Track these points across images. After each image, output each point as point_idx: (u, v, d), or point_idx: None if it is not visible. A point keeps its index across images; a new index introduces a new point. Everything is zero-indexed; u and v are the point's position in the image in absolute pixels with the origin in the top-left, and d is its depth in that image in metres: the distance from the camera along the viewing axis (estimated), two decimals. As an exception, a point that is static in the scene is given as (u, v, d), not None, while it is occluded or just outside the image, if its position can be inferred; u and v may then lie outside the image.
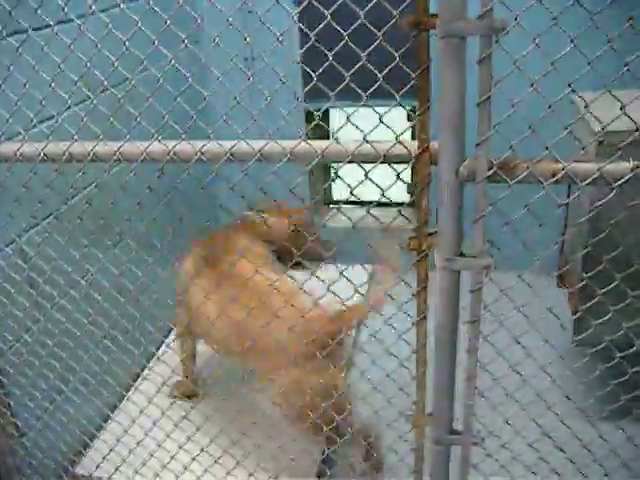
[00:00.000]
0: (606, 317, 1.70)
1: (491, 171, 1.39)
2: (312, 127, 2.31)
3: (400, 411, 1.78)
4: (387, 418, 1.88)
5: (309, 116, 4.28)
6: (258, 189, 1.81)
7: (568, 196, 2.78)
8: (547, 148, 1.44)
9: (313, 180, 4.51)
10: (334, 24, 1.52)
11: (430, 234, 1.52)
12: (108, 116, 1.78)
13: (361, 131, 1.54)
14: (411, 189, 4.27)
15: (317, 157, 1.53)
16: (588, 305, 1.73)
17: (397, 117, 2.06)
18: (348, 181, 1.67)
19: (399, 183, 1.62)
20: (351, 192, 1.64)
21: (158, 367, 2.54)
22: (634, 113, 1.41)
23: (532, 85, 1.41)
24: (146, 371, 3.13)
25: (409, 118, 3.92)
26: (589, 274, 1.64)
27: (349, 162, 1.52)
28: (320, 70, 1.58)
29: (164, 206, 1.89)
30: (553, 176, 1.40)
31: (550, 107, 1.43)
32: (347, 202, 4.48)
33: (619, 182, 1.38)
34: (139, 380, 3.13)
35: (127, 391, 3.00)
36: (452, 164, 1.39)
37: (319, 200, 4.67)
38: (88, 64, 1.71)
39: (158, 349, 3.38)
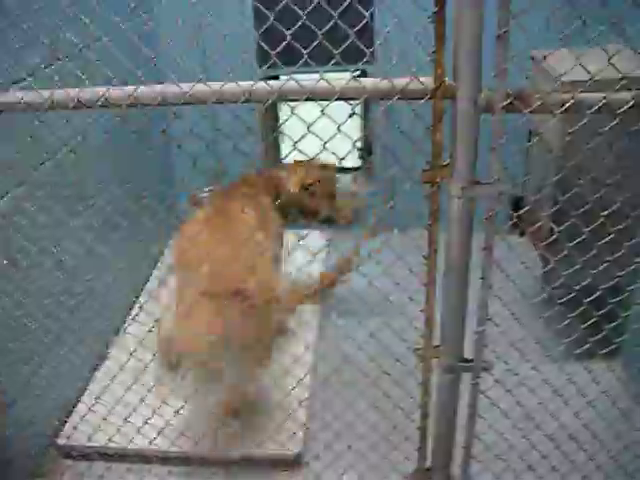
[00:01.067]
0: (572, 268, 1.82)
1: (507, 101, 1.47)
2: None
3: (408, 347, 1.85)
4: (396, 353, 1.94)
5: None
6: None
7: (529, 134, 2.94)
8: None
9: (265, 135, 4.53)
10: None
11: (443, 166, 1.59)
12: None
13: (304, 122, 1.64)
14: (362, 154, 4.34)
15: (336, 94, 1.56)
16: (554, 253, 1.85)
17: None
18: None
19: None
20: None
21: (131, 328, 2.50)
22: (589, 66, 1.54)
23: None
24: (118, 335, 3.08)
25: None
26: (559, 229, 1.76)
27: (366, 99, 1.57)
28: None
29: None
30: (562, 105, 1.50)
31: (513, 58, 1.52)
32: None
33: (621, 109, 1.49)
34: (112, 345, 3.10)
35: (101, 360, 2.96)
36: (470, 95, 1.46)
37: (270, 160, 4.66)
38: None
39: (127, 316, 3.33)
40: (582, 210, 1.76)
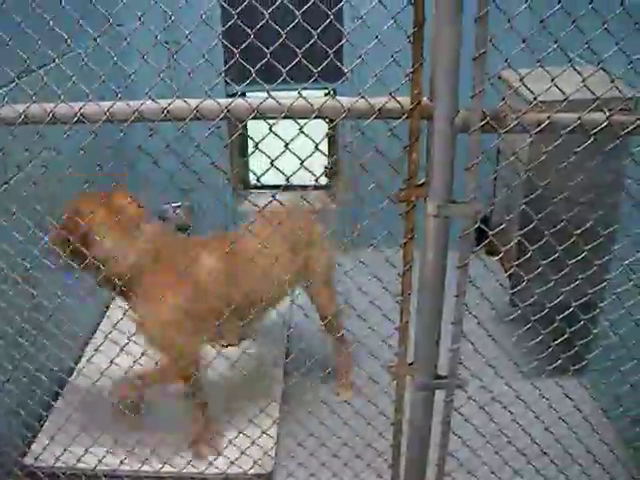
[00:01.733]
0: (537, 273, 1.84)
1: (484, 121, 1.49)
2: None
3: (382, 364, 1.85)
4: (369, 371, 1.94)
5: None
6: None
7: (498, 154, 2.97)
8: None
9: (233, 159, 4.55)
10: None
11: (419, 185, 1.60)
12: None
13: (282, 140, 1.65)
14: (327, 171, 4.35)
15: (314, 112, 1.56)
16: (521, 262, 1.87)
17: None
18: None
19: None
20: (271, 163, 1.72)
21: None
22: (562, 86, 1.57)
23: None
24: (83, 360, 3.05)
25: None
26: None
27: (344, 118, 1.57)
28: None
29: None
30: (538, 125, 1.52)
31: (489, 80, 1.54)
32: (264, 187, 4.46)
33: (595, 130, 1.52)
34: (80, 364, 3.09)
35: (69, 375, 2.93)
36: (447, 115, 1.47)
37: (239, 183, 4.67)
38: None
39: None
40: (552, 229, 1.79)
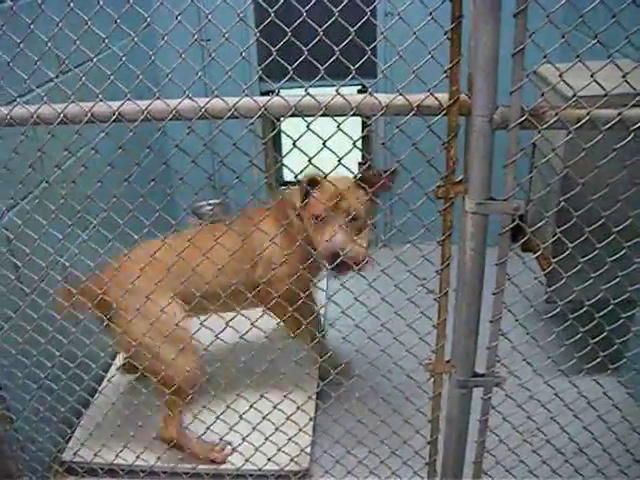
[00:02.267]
0: (575, 271, 1.82)
1: (523, 118, 1.48)
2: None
3: (419, 362, 1.85)
4: (406, 369, 1.93)
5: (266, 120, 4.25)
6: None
7: (533, 150, 2.94)
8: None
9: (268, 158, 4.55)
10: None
11: (457, 182, 1.60)
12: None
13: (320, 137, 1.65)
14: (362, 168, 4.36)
15: (352, 110, 1.56)
16: (560, 259, 1.85)
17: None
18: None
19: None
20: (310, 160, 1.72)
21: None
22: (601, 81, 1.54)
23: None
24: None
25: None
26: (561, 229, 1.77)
27: (382, 115, 1.57)
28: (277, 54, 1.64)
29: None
30: (578, 121, 1.51)
31: (528, 76, 1.52)
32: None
33: (636, 126, 1.50)
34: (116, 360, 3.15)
35: (106, 371, 2.97)
36: (486, 111, 1.47)
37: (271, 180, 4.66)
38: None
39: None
40: (590, 225, 1.76)
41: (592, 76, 1.53)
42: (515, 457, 2.09)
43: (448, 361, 1.81)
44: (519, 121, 1.47)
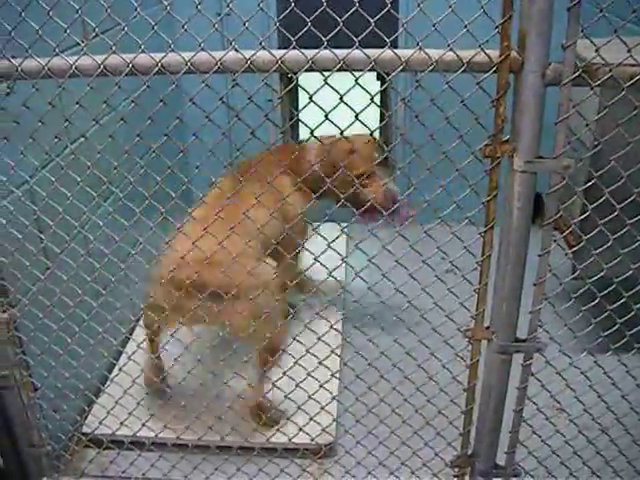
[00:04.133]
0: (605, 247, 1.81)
1: (576, 74, 1.47)
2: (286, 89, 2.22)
3: (458, 327, 1.83)
4: (444, 335, 1.92)
5: (282, 78, 4.24)
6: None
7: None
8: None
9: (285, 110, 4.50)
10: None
11: (505, 141, 1.58)
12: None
13: (337, 92, 1.62)
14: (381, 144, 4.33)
15: (402, 65, 1.55)
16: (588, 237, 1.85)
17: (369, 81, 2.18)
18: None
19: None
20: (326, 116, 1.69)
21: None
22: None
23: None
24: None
25: (378, 77, 3.99)
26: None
27: (431, 71, 1.55)
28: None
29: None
30: (631, 79, 1.50)
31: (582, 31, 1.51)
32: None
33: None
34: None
35: (123, 346, 2.95)
36: (539, 67, 1.46)
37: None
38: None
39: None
40: (618, 200, 1.74)
41: (629, 51, 1.52)
42: (543, 433, 2.06)
43: (487, 327, 1.80)
44: (572, 77, 1.46)
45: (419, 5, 1.55)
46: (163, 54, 1.59)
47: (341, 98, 1.65)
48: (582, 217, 1.90)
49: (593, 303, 1.90)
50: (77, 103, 1.74)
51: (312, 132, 1.79)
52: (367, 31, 1.54)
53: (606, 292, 1.90)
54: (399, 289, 1.87)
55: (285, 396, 2.19)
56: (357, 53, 1.54)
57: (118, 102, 2.44)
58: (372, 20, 1.54)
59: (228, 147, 3.51)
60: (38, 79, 1.64)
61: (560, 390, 2.02)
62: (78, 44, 1.84)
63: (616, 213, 1.75)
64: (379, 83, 4.07)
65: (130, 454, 2.43)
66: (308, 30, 1.56)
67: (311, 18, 1.56)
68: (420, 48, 1.54)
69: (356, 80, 1.63)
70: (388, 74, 1.60)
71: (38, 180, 2.12)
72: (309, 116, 1.74)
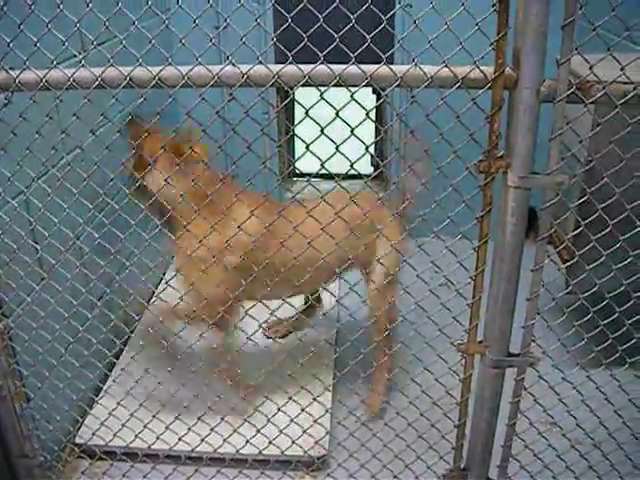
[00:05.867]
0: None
1: (570, 91, 1.48)
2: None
3: (451, 341, 1.84)
4: (437, 349, 1.92)
5: (279, 92, 4.27)
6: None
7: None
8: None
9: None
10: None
11: (499, 157, 1.60)
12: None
13: (333, 107, 1.64)
14: (375, 162, 4.34)
15: (397, 80, 1.56)
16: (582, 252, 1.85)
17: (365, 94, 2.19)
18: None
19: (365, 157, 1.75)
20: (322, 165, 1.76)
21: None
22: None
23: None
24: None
25: (374, 90, 4.01)
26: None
27: (427, 87, 1.56)
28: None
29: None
30: (624, 96, 1.51)
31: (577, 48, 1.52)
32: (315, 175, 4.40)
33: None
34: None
35: (118, 357, 2.94)
36: (533, 84, 1.48)
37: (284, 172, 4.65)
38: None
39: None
40: (612, 215, 1.76)
41: (622, 69, 1.53)
42: (535, 447, 2.06)
43: (480, 342, 1.80)
44: (567, 94, 1.48)
45: (415, 22, 1.57)
46: (160, 67, 1.60)
47: (337, 113, 1.66)
48: (575, 232, 1.92)
49: (586, 318, 1.91)
50: (74, 115, 1.75)
51: (308, 147, 1.80)
52: (363, 47, 1.55)
53: (599, 307, 1.91)
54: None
55: (278, 409, 2.18)
56: (353, 68, 1.55)
57: (114, 114, 2.44)
58: (368, 36, 1.56)
59: (224, 160, 3.52)
60: (36, 91, 1.65)
61: (553, 405, 2.02)
62: (75, 56, 1.86)
63: (609, 229, 1.76)
64: (375, 97, 4.09)
65: (123, 465, 2.41)
66: (305, 45, 1.57)
67: (308, 33, 1.58)
68: (415, 64, 1.55)
69: (352, 95, 1.64)
70: (384, 89, 1.61)
71: (34, 191, 2.12)
72: (305, 130, 1.76)
